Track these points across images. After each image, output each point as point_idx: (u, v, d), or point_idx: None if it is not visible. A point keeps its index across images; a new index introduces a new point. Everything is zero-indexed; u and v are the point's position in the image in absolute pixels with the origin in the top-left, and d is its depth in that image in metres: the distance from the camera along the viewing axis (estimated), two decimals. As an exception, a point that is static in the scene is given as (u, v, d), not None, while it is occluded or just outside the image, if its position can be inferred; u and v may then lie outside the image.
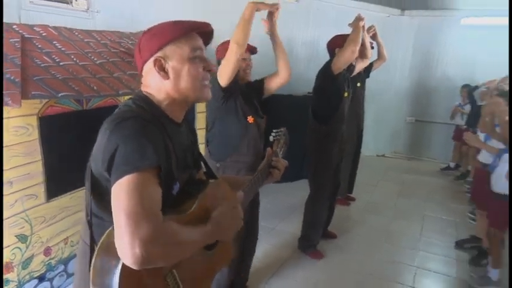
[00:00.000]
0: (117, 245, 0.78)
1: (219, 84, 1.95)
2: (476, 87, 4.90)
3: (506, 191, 2.60)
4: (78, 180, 2.15)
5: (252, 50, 2.15)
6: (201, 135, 2.95)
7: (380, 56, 3.86)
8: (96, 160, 0.92)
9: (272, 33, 2.11)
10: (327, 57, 2.99)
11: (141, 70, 1.02)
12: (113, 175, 0.84)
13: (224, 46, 2.07)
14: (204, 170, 1.23)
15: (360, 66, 3.19)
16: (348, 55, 2.63)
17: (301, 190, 3.79)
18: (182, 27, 1.00)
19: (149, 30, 1.01)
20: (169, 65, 0.98)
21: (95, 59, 2.27)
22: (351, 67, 2.96)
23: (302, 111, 4.38)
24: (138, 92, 1.02)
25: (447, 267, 2.99)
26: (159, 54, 0.98)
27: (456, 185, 5.03)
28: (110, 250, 0.81)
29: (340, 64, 2.68)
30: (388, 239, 3.40)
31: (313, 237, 3.03)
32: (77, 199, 2.22)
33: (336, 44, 2.91)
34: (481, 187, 3.04)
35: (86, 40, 2.37)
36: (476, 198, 3.32)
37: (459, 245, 3.29)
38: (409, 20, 5.98)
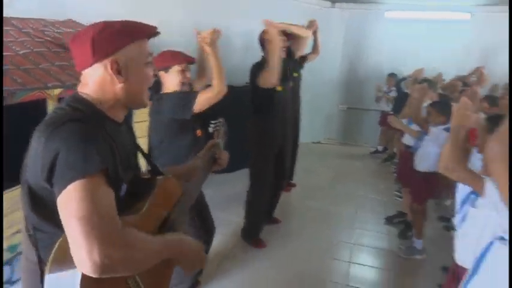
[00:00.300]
0: (73, 255, 0.75)
1: (192, 108, 1.97)
2: (404, 78, 5.29)
3: (427, 169, 2.90)
4: (1, 181, 1.99)
5: (190, 61, 2.13)
6: (141, 128, 2.86)
7: (314, 50, 4.04)
8: (32, 171, 0.85)
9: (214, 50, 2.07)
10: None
11: (86, 67, 0.94)
12: (57, 184, 0.79)
13: (164, 56, 2.05)
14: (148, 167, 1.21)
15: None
16: (268, 81, 2.73)
17: (241, 180, 3.86)
18: (142, 31, 0.97)
19: (105, 27, 0.93)
20: (127, 68, 0.94)
21: (17, 49, 2.10)
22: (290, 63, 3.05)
23: (241, 102, 4.44)
24: (74, 94, 0.96)
25: (379, 241, 3.27)
26: (117, 55, 0.92)
27: (384, 166, 5.46)
28: (66, 261, 0.77)
29: (263, 84, 2.76)
30: (327, 220, 3.61)
31: (255, 227, 3.11)
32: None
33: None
34: (405, 167, 3.34)
35: (5, 28, 2.17)
36: (402, 177, 3.65)
37: (388, 220, 3.60)
38: (339, 12, 6.28)
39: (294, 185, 4.39)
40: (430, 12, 5.89)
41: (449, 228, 3.20)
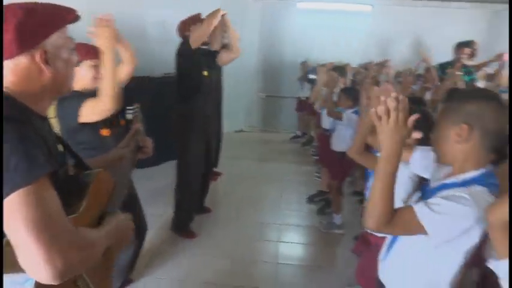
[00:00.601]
0: (26, 265, 0.71)
1: (77, 115, 1.77)
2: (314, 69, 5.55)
3: (342, 149, 3.16)
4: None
5: None
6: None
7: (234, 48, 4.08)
8: None
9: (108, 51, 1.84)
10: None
11: (6, 59, 0.83)
12: None
13: (77, 48, 1.89)
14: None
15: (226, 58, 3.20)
16: (200, 33, 2.69)
17: (165, 173, 3.84)
18: (67, 16, 0.91)
19: (28, 13, 0.82)
20: (55, 57, 0.88)
21: None
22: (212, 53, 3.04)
23: (160, 92, 4.33)
24: None
25: (303, 220, 3.51)
26: (45, 44, 0.85)
27: (304, 150, 5.79)
28: (13, 269, 0.72)
29: (195, 42, 2.71)
30: (255, 204, 3.75)
31: (186, 218, 3.11)
32: None
33: (184, 28, 2.97)
34: (323, 148, 3.61)
35: None
36: (321, 158, 3.93)
37: (310, 199, 3.86)
38: (253, 2, 6.40)
39: (220, 174, 4.45)
40: (337, 4, 6.33)
41: (363, 201, 3.54)
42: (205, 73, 2.93)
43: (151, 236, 2.97)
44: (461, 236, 1.02)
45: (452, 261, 1.10)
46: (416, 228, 1.01)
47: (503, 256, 0.92)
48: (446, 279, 1.13)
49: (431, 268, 1.13)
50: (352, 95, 3.16)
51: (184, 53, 2.81)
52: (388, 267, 1.28)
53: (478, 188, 1.01)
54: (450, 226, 1.00)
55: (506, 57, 4.57)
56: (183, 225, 3.08)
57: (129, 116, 1.53)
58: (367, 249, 1.87)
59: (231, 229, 3.23)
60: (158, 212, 3.33)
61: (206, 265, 2.72)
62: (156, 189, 3.80)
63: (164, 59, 4.61)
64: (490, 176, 1.05)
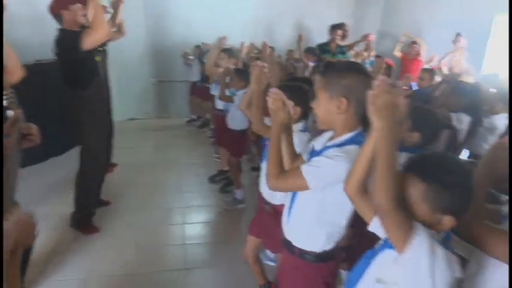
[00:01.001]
0: None
1: None
2: (207, 51, 5.57)
3: (238, 127, 3.32)
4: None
5: None
6: None
7: (119, 29, 3.87)
8: None
9: None
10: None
11: None
12: None
13: None
14: None
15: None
16: (99, 37, 2.49)
17: (49, 170, 3.53)
18: None
19: None
20: None
21: None
22: None
23: (34, 81, 3.89)
24: None
25: (206, 200, 3.59)
26: None
27: (200, 133, 5.82)
28: None
29: (90, 44, 2.49)
30: (156, 191, 3.70)
31: (89, 212, 2.95)
32: None
33: (59, 6, 2.72)
34: (221, 128, 3.73)
35: None
36: (218, 138, 4.03)
37: (211, 180, 3.95)
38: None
39: (115, 165, 4.23)
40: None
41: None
42: (98, 58, 2.75)
43: (45, 238, 2.73)
44: (338, 184, 1.20)
45: (341, 211, 1.34)
46: (301, 181, 1.26)
47: (369, 220, 1.13)
48: (341, 225, 1.37)
49: (327, 218, 1.35)
50: (244, 76, 3.30)
51: (76, 37, 2.52)
52: (292, 226, 1.45)
53: (351, 147, 1.23)
54: (322, 174, 1.25)
55: (371, 37, 5.29)
56: (84, 221, 2.91)
57: (4, 103, 1.39)
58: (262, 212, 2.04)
59: (133, 218, 3.15)
60: (47, 211, 3.04)
61: (112, 258, 2.62)
62: (46, 187, 3.47)
63: (36, 43, 4.10)
64: (360, 135, 1.26)
